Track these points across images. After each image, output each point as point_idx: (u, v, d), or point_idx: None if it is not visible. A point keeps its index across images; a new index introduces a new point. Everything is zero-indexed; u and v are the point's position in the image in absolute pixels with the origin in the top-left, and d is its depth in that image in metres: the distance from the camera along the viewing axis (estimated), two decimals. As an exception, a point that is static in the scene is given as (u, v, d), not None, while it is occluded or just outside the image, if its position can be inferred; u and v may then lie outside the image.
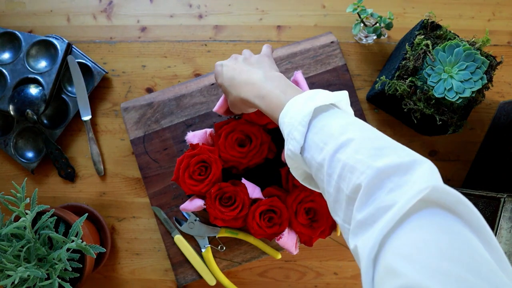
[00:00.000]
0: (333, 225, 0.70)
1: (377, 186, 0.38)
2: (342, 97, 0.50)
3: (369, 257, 0.35)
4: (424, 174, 0.37)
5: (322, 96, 0.48)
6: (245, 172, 0.72)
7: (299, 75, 0.73)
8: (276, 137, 0.71)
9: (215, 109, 0.68)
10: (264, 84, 0.55)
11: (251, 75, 0.58)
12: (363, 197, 0.38)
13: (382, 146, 0.41)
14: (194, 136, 0.71)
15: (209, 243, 0.75)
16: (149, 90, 0.82)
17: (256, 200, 0.70)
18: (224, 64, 0.62)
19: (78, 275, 0.66)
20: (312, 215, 0.70)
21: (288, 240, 0.70)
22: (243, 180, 0.71)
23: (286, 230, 0.69)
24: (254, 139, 0.68)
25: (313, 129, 0.47)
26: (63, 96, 0.81)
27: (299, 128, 0.47)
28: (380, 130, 0.81)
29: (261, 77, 0.57)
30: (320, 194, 0.70)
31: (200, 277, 0.75)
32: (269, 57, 0.63)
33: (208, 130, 0.72)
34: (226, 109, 0.68)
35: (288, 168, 0.70)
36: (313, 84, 0.77)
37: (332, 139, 0.44)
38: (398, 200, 0.35)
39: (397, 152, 0.40)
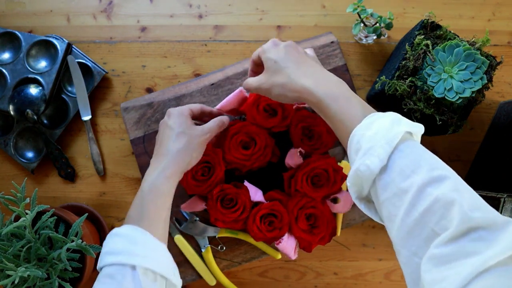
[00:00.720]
0: (332, 233, 0.70)
1: (465, 233, 0.38)
2: (422, 129, 0.50)
3: None
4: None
5: (407, 122, 0.48)
6: (248, 175, 0.72)
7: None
8: (280, 141, 0.71)
9: (219, 106, 0.68)
10: (339, 86, 0.54)
11: (320, 69, 0.57)
12: (447, 237, 0.38)
13: (477, 197, 0.41)
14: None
15: (209, 243, 0.75)
16: (149, 90, 0.82)
17: (257, 203, 0.70)
18: (288, 45, 0.59)
19: (78, 275, 0.66)
20: (313, 221, 0.70)
21: (288, 245, 0.69)
22: (246, 183, 0.71)
23: (286, 235, 0.69)
24: (258, 141, 0.68)
25: (399, 153, 0.45)
26: (63, 96, 0.81)
27: (385, 147, 0.45)
28: (380, 130, 0.81)
29: (333, 77, 0.56)
30: (321, 201, 0.70)
31: (200, 277, 0.75)
32: None
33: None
34: (233, 108, 0.68)
35: (291, 173, 0.70)
36: (313, 84, 0.77)
37: (421, 169, 0.43)
38: (484, 251, 0.36)
39: (490, 210, 0.40)
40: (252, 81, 0.61)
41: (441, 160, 0.45)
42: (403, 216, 0.42)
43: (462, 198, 0.39)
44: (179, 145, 0.61)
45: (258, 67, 0.64)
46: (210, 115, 0.68)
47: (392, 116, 0.48)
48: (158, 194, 0.58)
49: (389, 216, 0.45)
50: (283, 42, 0.60)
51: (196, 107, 0.67)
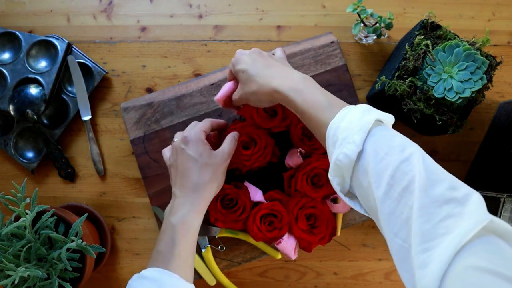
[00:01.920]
0: (332, 233, 0.70)
1: (434, 211, 0.40)
2: (392, 119, 0.52)
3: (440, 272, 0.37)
4: (479, 206, 0.39)
5: (377, 111, 0.50)
6: (248, 175, 0.72)
7: None
8: (280, 141, 0.71)
9: (217, 97, 0.67)
10: (303, 80, 0.56)
11: (286, 69, 0.59)
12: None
13: (440, 171, 0.43)
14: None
15: (209, 243, 0.75)
16: (149, 90, 0.82)
17: (257, 203, 0.70)
18: (252, 52, 0.62)
19: (78, 275, 0.66)
20: (313, 221, 0.70)
21: (287, 245, 0.70)
22: (246, 183, 0.71)
23: (286, 235, 0.69)
24: (258, 142, 0.68)
25: (372, 137, 0.47)
26: (63, 96, 0.81)
27: (360, 133, 0.47)
28: (380, 130, 0.81)
29: (298, 74, 0.58)
30: (321, 201, 0.70)
31: (200, 277, 0.75)
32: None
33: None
34: (228, 101, 0.67)
35: (291, 173, 0.70)
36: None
37: (394, 150, 0.45)
38: (456, 228, 0.38)
39: (452, 182, 0.42)
40: (234, 95, 0.64)
41: (409, 139, 0.48)
42: (383, 197, 0.44)
43: (420, 175, 0.42)
44: (205, 178, 0.60)
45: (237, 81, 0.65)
46: (219, 127, 0.68)
47: (363, 107, 0.50)
48: (189, 231, 0.58)
49: (369, 200, 0.47)
50: (247, 50, 0.63)
51: (206, 126, 0.65)
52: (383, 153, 0.45)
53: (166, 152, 0.67)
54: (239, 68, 0.61)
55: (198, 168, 0.60)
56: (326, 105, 0.53)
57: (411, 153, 0.44)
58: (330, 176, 0.51)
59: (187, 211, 0.58)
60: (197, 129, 0.63)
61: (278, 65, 0.60)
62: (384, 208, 0.43)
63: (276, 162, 0.72)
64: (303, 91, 0.55)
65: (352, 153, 0.47)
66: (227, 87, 0.66)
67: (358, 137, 0.47)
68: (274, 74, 0.58)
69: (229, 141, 0.64)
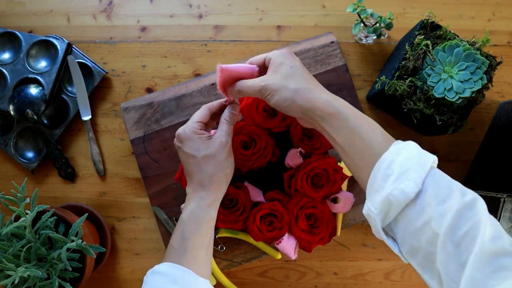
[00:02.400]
0: (332, 233, 0.70)
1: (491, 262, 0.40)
2: (437, 159, 0.50)
3: None
4: None
5: (427, 153, 0.49)
6: (248, 175, 0.72)
7: None
8: (280, 141, 0.71)
9: (222, 66, 0.57)
10: (350, 104, 0.53)
11: (322, 89, 0.55)
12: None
13: (499, 225, 0.44)
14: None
15: (209, 243, 0.75)
16: (149, 90, 0.82)
17: (257, 203, 0.70)
18: (298, 59, 0.57)
19: (78, 275, 0.66)
20: (313, 221, 0.70)
21: (288, 245, 0.69)
22: (246, 183, 0.71)
23: (286, 235, 0.69)
24: (258, 142, 0.68)
25: (431, 178, 0.46)
26: (63, 96, 0.81)
27: (419, 172, 0.45)
28: (380, 130, 0.81)
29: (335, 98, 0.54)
30: (321, 201, 0.70)
31: (200, 277, 0.75)
32: None
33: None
34: (231, 82, 0.59)
35: (291, 173, 0.70)
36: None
37: (455, 194, 0.44)
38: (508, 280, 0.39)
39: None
40: (255, 80, 0.55)
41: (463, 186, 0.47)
42: (443, 239, 0.43)
43: (486, 224, 0.42)
44: (208, 171, 0.57)
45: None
46: (221, 109, 0.62)
47: (416, 144, 0.49)
48: (199, 224, 0.57)
49: (429, 240, 0.45)
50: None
51: (202, 115, 0.60)
52: (444, 196, 0.44)
53: None
54: (284, 61, 0.55)
55: (198, 162, 0.58)
56: (379, 133, 0.50)
57: (474, 200, 0.44)
58: (375, 209, 0.48)
59: (196, 205, 0.58)
60: (190, 123, 0.59)
61: (313, 79, 0.56)
62: (442, 251, 0.43)
63: (276, 162, 0.72)
64: (357, 115, 0.52)
65: (411, 191, 0.45)
66: (243, 67, 0.57)
67: (418, 175, 0.45)
68: (320, 86, 0.54)
69: (222, 124, 0.59)
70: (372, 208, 0.48)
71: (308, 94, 0.52)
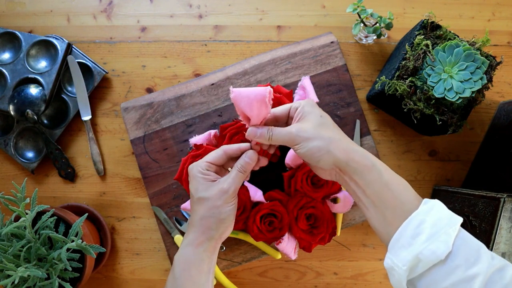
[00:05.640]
0: (332, 232, 0.70)
1: None
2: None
3: None
4: None
5: (455, 214, 0.49)
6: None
7: (306, 81, 0.73)
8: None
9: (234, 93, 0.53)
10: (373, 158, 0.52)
11: (350, 139, 0.54)
12: None
13: None
14: (198, 139, 0.71)
15: (209, 243, 0.75)
16: (149, 90, 0.82)
17: (257, 203, 0.70)
18: (319, 107, 0.55)
19: (78, 275, 0.66)
20: (313, 221, 0.70)
21: (288, 245, 0.70)
22: (246, 183, 0.71)
23: (286, 235, 0.69)
24: None
25: (460, 240, 0.47)
26: (63, 96, 0.81)
27: (450, 233, 0.47)
28: (380, 130, 0.81)
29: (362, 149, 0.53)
30: (321, 201, 0.70)
31: (200, 277, 0.75)
32: None
33: (213, 132, 0.72)
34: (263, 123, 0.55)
35: (291, 173, 0.70)
36: (313, 84, 0.77)
37: (484, 256, 0.46)
38: None
39: None
40: (285, 129, 0.52)
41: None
42: None
43: None
44: (200, 212, 0.54)
45: (276, 121, 0.56)
46: (238, 153, 0.57)
47: (442, 204, 0.50)
48: (188, 265, 0.54)
49: None
50: None
51: (216, 156, 0.56)
52: (473, 259, 0.46)
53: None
54: (313, 110, 0.53)
55: (193, 202, 0.55)
56: (410, 190, 0.51)
57: (504, 265, 0.45)
58: (402, 265, 0.48)
59: (185, 245, 0.55)
60: (201, 161, 0.56)
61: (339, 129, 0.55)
62: None
63: (276, 162, 0.72)
64: (388, 170, 0.52)
65: (442, 253, 0.46)
66: (255, 92, 0.51)
67: (448, 237, 0.46)
68: (348, 138, 0.54)
69: (233, 170, 0.55)
70: (399, 264, 0.48)
71: (343, 145, 0.51)
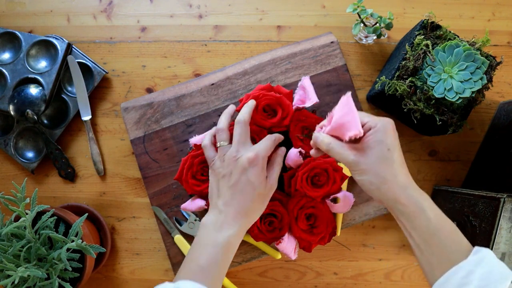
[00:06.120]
0: (332, 232, 0.70)
1: None
2: None
3: None
4: None
5: (506, 267, 0.48)
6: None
7: (306, 81, 0.73)
8: (280, 142, 0.71)
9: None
10: (426, 196, 0.52)
11: (408, 177, 0.53)
12: None
13: None
14: (198, 139, 0.71)
15: (209, 243, 0.75)
16: (149, 90, 0.82)
17: None
18: (393, 135, 0.52)
19: (78, 275, 0.66)
20: (313, 221, 0.70)
21: (288, 245, 0.69)
22: None
23: (286, 235, 0.69)
24: (258, 141, 0.68)
25: None
26: (63, 96, 0.81)
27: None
28: (380, 130, 0.81)
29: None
30: (321, 201, 0.70)
31: (200, 277, 0.75)
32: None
33: (212, 131, 0.72)
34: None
35: (291, 173, 0.70)
36: (313, 84, 0.76)
37: None
38: None
39: None
40: (349, 153, 0.53)
41: None
42: None
43: None
44: (258, 207, 0.61)
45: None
46: (278, 142, 0.66)
47: (494, 255, 0.49)
48: (232, 252, 0.58)
49: None
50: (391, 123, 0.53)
51: (272, 146, 0.63)
52: None
53: (211, 151, 0.64)
54: (383, 140, 0.51)
55: (254, 195, 0.59)
56: (459, 238, 0.50)
57: None
58: None
59: (235, 233, 0.57)
60: (264, 153, 0.61)
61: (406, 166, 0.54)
62: None
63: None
64: (437, 211, 0.51)
65: None
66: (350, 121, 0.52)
67: None
68: (407, 174, 0.52)
69: (277, 172, 0.63)
70: None
71: (395, 187, 0.51)
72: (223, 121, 0.65)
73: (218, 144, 0.63)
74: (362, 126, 0.53)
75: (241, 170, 0.59)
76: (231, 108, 0.67)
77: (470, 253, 0.48)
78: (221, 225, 0.58)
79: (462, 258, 0.48)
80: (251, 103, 0.66)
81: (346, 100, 0.53)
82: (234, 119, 0.64)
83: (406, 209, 0.51)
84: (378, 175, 0.51)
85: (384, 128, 0.52)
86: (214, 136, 0.66)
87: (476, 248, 0.49)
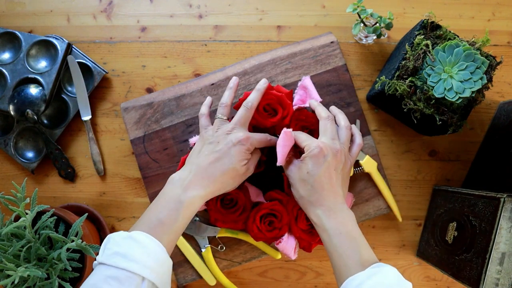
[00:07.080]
0: None
1: None
2: None
3: None
4: None
5: (403, 280, 0.53)
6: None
7: (307, 81, 0.73)
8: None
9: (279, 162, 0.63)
10: (348, 218, 0.60)
11: (338, 194, 0.61)
12: None
13: None
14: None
15: (209, 243, 0.75)
16: (149, 90, 0.82)
17: (257, 203, 0.70)
18: (333, 158, 0.61)
19: (78, 275, 0.66)
20: None
21: (287, 245, 0.69)
22: (246, 183, 0.71)
23: (286, 235, 0.69)
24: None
25: None
26: (63, 96, 0.81)
27: None
28: (380, 130, 0.81)
29: (346, 207, 0.61)
30: None
31: (200, 277, 0.75)
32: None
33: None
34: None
35: None
36: (313, 84, 0.77)
37: None
38: None
39: None
40: (287, 166, 0.64)
41: None
42: None
43: None
44: (228, 184, 0.62)
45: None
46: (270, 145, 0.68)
47: (394, 270, 0.53)
48: (193, 212, 0.59)
49: None
50: (335, 149, 0.61)
51: (262, 141, 0.65)
52: None
53: (206, 121, 0.66)
54: (307, 166, 0.60)
55: (229, 169, 0.61)
56: (359, 254, 0.55)
57: None
58: None
59: (199, 194, 0.59)
60: (255, 141, 0.63)
61: (338, 184, 0.61)
62: None
63: (276, 162, 0.72)
64: (344, 231, 0.57)
65: None
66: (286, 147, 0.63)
67: None
68: (326, 198, 0.59)
69: (255, 160, 0.66)
70: None
71: (306, 204, 0.61)
72: (227, 96, 0.66)
73: (217, 116, 0.65)
74: (302, 148, 0.62)
75: (229, 144, 0.61)
76: (235, 81, 0.68)
77: (368, 268, 0.53)
78: (188, 184, 0.59)
79: (359, 271, 0.53)
80: (262, 86, 0.66)
81: (283, 134, 0.62)
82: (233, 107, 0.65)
83: (314, 224, 0.60)
84: (297, 191, 0.62)
85: (311, 153, 0.60)
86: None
87: (378, 263, 0.54)
